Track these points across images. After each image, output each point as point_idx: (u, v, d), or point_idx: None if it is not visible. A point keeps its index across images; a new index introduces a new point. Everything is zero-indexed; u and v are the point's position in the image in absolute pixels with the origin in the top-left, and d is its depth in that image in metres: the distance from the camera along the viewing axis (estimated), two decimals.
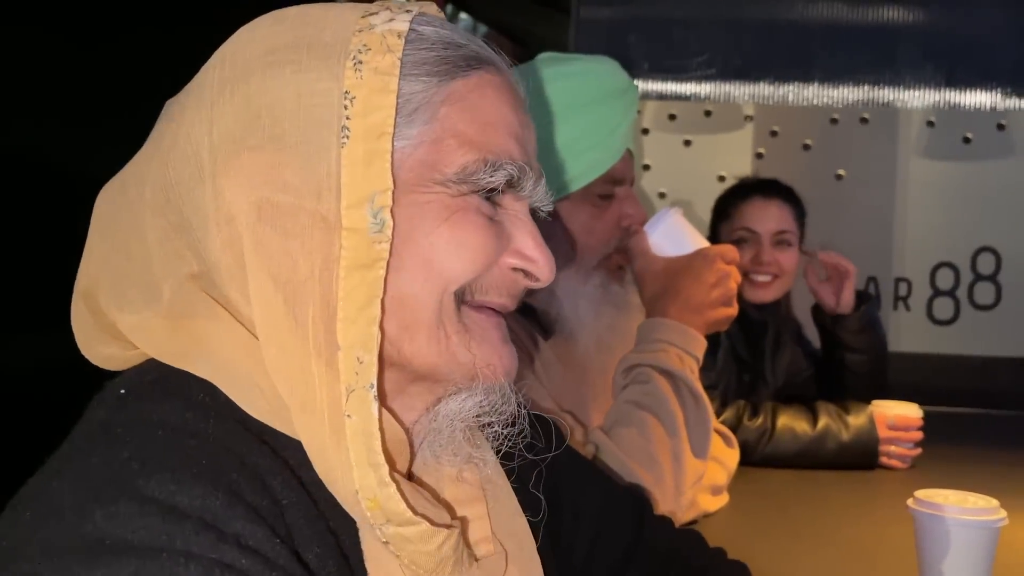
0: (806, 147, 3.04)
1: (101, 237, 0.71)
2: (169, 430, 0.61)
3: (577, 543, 0.93)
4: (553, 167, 1.41)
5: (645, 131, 3.08)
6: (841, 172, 3.02)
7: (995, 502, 1.12)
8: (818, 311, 2.19)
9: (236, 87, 0.66)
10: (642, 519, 1.00)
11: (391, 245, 0.64)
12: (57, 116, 2.31)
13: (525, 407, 0.73)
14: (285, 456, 0.64)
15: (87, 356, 0.73)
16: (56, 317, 0.79)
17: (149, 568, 0.52)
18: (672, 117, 3.09)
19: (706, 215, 2.35)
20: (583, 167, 1.45)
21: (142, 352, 0.68)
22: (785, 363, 2.26)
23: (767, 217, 2.19)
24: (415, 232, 0.66)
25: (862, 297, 2.15)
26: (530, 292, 0.76)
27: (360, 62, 0.65)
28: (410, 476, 0.72)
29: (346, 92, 0.64)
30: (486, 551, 0.73)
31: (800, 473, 1.79)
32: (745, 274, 2.11)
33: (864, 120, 3.02)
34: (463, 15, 4.80)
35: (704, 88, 3.10)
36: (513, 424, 0.73)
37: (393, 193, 0.64)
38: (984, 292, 2.96)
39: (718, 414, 1.74)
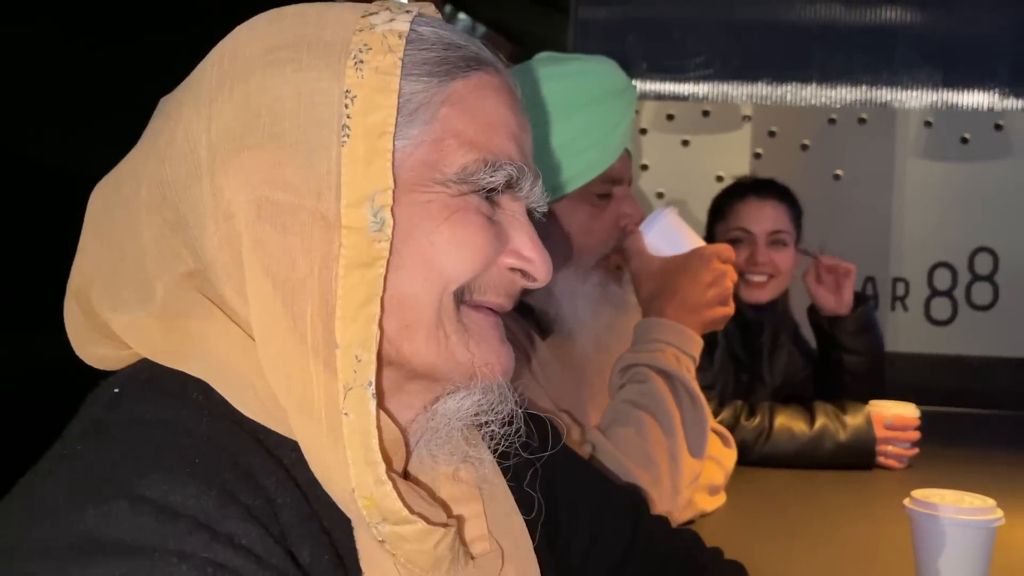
0: (804, 147, 3.04)
1: (94, 235, 0.71)
2: (163, 429, 0.61)
3: (574, 542, 0.93)
4: (551, 166, 1.41)
5: (643, 131, 3.08)
6: (839, 172, 3.02)
7: (992, 502, 1.12)
8: (814, 312, 2.18)
9: (235, 85, 0.66)
10: (639, 519, 1.00)
11: (391, 244, 0.64)
12: (55, 116, 2.31)
13: (522, 406, 0.73)
14: (279, 456, 0.64)
15: (80, 356, 0.73)
16: (50, 317, 0.78)
17: (142, 567, 0.52)
18: (670, 117, 3.09)
19: (704, 215, 2.35)
20: (581, 166, 1.45)
21: (135, 352, 0.68)
22: (782, 363, 2.25)
23: (762, 217, 2.19)
24: (415, 231, 0.66)
25: (859, 298, 2.15)
26: (527, 292, 0.76)
27: (361, 61, 0.65)
28: (406, 475, 0.71)
29: (347, 91, 0.64)
30: (482, 549, 0.73)
31: (797, 473, 1.79)
32: (741, 274, 2.10)
33: (862, 120, 3.02)
34: (461, 15, 4.80)
35: (702, 88, 3.10)
36: (510, 423, 0.73)
37: (393, 192, 0.64)
38: (981, 292, 2.96)
39: (715, 414, 1.74)
